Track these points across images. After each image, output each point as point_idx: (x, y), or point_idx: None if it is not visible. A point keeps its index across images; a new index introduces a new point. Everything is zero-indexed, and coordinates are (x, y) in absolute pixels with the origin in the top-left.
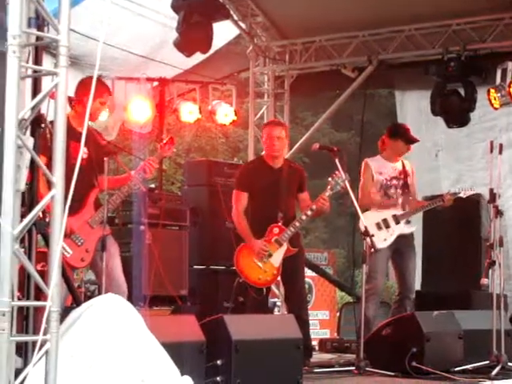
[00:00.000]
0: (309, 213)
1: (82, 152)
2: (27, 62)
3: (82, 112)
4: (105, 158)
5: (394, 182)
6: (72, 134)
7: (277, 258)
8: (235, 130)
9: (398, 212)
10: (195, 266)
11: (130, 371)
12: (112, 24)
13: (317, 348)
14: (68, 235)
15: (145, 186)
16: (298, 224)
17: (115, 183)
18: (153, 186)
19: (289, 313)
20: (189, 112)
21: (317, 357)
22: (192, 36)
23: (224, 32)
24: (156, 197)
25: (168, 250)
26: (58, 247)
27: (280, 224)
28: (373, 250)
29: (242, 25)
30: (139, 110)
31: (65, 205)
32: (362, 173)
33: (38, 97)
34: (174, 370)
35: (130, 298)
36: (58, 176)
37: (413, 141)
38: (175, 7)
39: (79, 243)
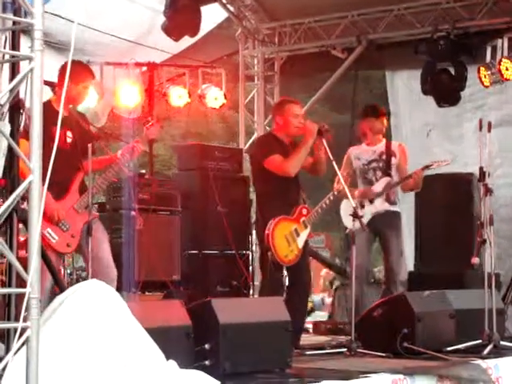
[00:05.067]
0: (331, 197)
1: (66, 136)
2: (4, 47)
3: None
4: (89, 144)
5: (373, 164)
6: (55, 119)
7: (302, 239)
8: (232, 114)
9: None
10: (187, 251)
11: (112, 356)
12: (100, 9)
13: (311, 331)
14: (56, 222)
15: (129, 170)
16: (320, 210)
17: (100, 164)
18: (143, 171)
19: (292, 298)
20: (178, 96)
21: (310, 339)
22: (180, 20)
23: (213, 15)
24: (146, 182)
25: (159, 235)
26: (37, 233)
27: (306, 205)
28: (363, 229)
29: (231, 7)
30: (128, 96)
31: (43, 190)
32: (344, 159)
33: (14, 81)
34: (159, 354)
35: (121, 284)
36: (35, 162)
37: (379, 111)
38: None
39: (65, 229)
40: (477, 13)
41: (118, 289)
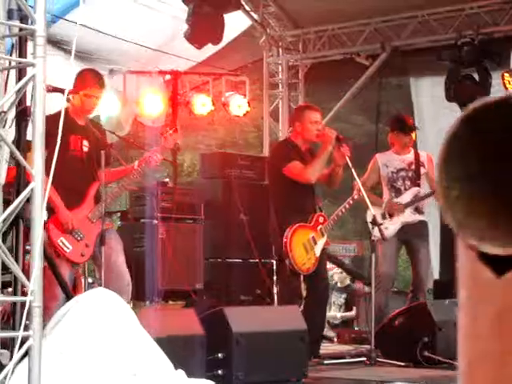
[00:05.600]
0: (347, 206)
1: (83, 145)
2: (11, 54)
3: (78, 105)
4: (102, 152)
5: (402, 173)
6: (72, 127)
7: (319, 247)
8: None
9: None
10: (210, 260)
11: (120, 365)
12: (124, 18)
13: (335, 339)
14: (69, 231)
15: (147, 180)
16: (336, 218)
17: (115, 176)
18: (166, 180)
19: (310, 307)
20: (202, 104)
21: (333, 348)
22: (202, 28)
23: (236, 23)
24: (169, 190)
25: (182, 244)
26: (39, 240)
27: (323, 213)
28: (382, 238)
29: (254, 15)
30: (151, 104)
31: (44, 197)
32: (370, 165)
33: (15, 88)
34: (167, 363)
35: (144, 293)
36: (37, 168)
37: (410, 129)
38: None
39: (79, 238)
40: (501, 18)
41: (141, 298)
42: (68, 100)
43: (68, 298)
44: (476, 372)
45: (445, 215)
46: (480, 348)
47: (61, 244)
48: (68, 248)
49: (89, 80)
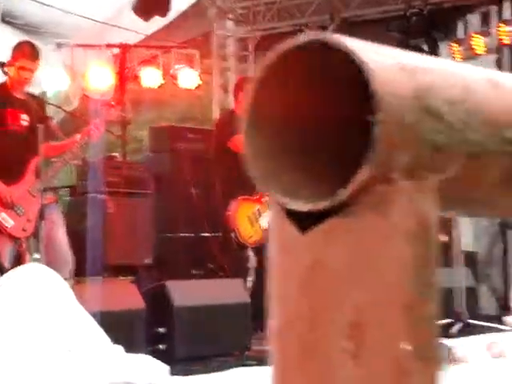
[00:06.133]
0: None
1: (21, 119)
2: None
3: (14, 77)
4: (40, 125)
5: None
6: (9, 101)
7: (265, 220)
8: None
9: None
10: (160, 234)
11: (55, 341)
12: None
13: None
14: (10, 206)
15: (94, 155)
16: None
17: (59, 149)
18: (116, 154)
19: (260, 280)
20: (151, 78)
21: None
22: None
23: None
24: (116, 165)
25: (131, 219)
26: None
27: None
28: None
29: None
30: (98, 78)
31: None
32: None
33: None
34: (104, 338)
35: (91, 268)
36: None
37: None
38: None
39: (20, 213)
40: None
41: (89, 273)
42: (5, 73)
43: (1, 273)
44: (286, 336)
45: (250, 169)
46: (289, 310)
47: (1, 220)
48: (9, 223)
49: (24, 52)
